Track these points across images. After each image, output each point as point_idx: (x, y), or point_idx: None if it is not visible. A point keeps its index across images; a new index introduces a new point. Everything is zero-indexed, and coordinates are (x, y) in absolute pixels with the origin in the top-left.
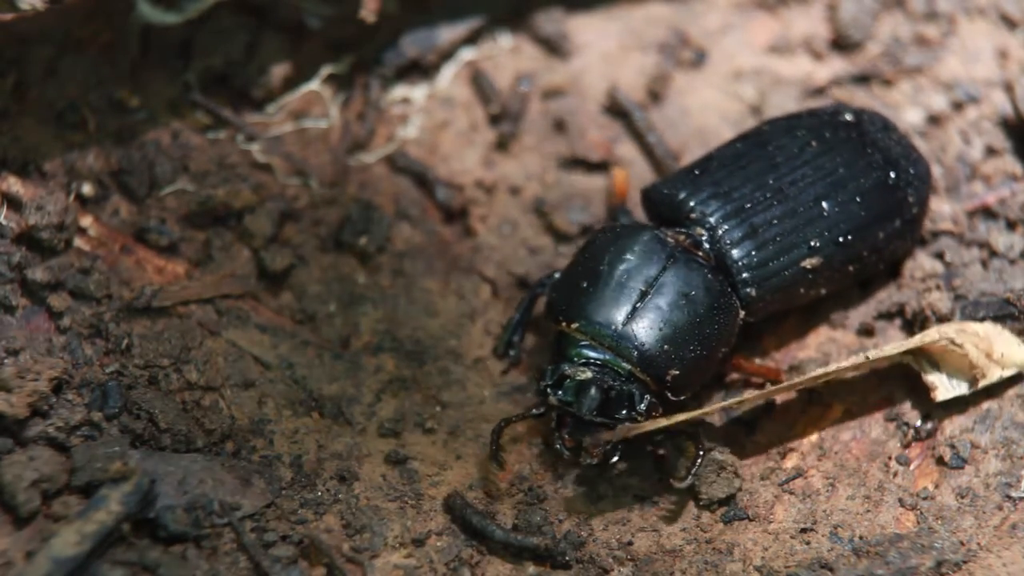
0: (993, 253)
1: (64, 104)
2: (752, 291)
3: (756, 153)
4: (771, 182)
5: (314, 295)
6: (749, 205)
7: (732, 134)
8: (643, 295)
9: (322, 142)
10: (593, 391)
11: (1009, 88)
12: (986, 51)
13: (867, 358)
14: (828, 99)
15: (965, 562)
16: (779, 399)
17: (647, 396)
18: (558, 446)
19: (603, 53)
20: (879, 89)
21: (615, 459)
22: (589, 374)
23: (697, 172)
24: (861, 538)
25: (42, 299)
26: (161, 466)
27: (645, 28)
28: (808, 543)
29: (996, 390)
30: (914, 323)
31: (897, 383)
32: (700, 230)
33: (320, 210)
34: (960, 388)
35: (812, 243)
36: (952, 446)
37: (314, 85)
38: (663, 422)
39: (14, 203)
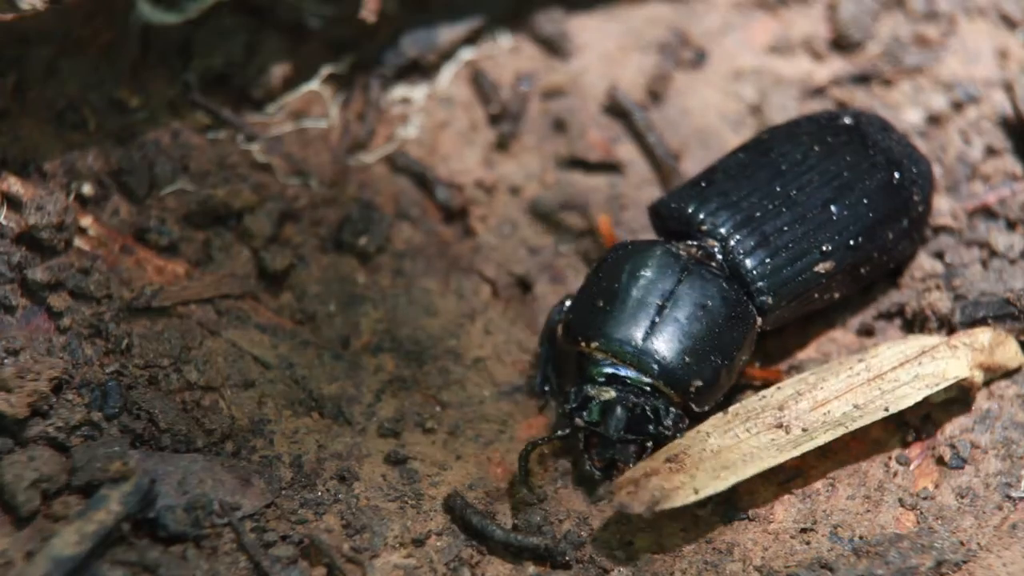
0: (993, 253)
1: (64, 104)
2: (769, 299)
3: (760, 161)
4: (778, 189)
5: (314, 295)
6: (759, 214)
7: (732, 134)
8: (660, 309)
9: (322, 142)
10: (619, 410)
11: (1009, 88)
12: (986, 51)
13: (886, 410)
14: (828, 99)
15: (965, 562)
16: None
17: (672, 410)
18: (588, 467)
19: (603, 53)
20: (879, 89)
21: None
22: (613, 393)
23: (704, 184)
24: (861, 538)
25: (42, 299)
26: (161, 466)
27: (645, 28)
28: (808, 543)
29: (996, 390)
30: (914, 323)
31: None
32: (712, 242)
33: (320, 210)
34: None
35: (824, 248)
36: (952, 446)
37: (314, 85)
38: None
39: (14, 203)
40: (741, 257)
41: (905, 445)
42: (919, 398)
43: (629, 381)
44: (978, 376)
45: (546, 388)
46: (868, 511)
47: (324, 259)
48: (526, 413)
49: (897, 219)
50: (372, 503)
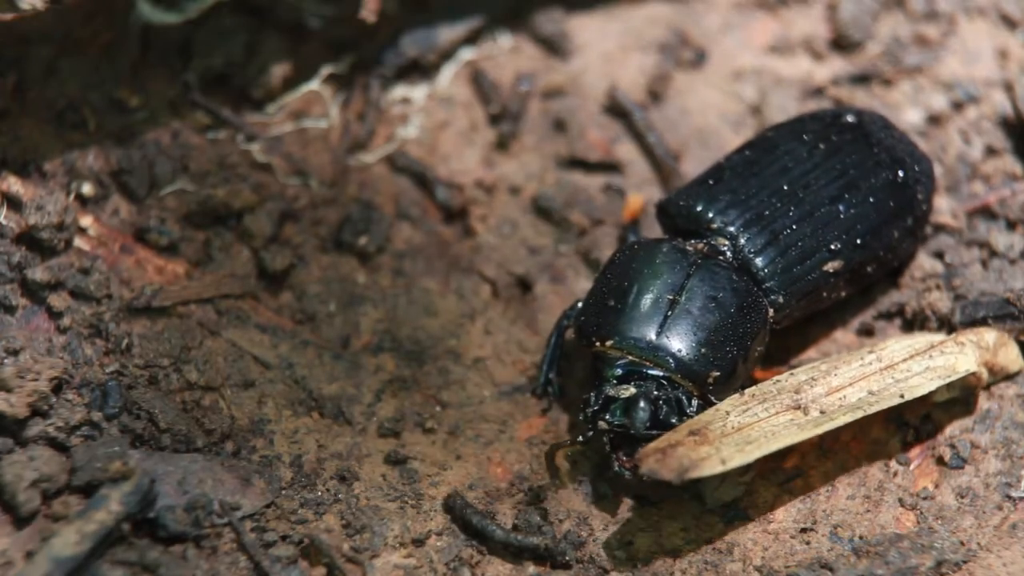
0: (993, 253)
1: (64, 104)
2: (780, 298)
3: (766, 159)
4: (785, 187)
5: (314, 295)
6: (768, 212)
7: (732, 134)
8: (672, 303)
9: (322, 142)
10: (642, 405)
11: (1009, 88)
12: (986, 51)
13: (902, 397)
14: (828, 99)
15: (965, 562)
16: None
17: (695, 400)
18: (617, 469)
19: (603, 53)
20: (879, 89)
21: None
22: (633, 390)
23: (712, 182)
24: (861, 538)
25: (42, 299)
26: (161, 466)
27: (645, 28)
28: (808, 543)
29: (996, 390)
30: (914, 323)
31: None
32: (722, 240)
33: (320, 210)
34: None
35: (832, 246)
36: (952, 446)
37: (314, 85)
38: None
39: (14, 203)
40: (752, 255)
41: (905, 445)
42: (932, 387)
43: (647, 376)
44: (984, 373)
45: (549, 389)
46: (868, 511)
47: (324, 259)
48: (526, 413)
49: (902, 217)
50: (372, 503)
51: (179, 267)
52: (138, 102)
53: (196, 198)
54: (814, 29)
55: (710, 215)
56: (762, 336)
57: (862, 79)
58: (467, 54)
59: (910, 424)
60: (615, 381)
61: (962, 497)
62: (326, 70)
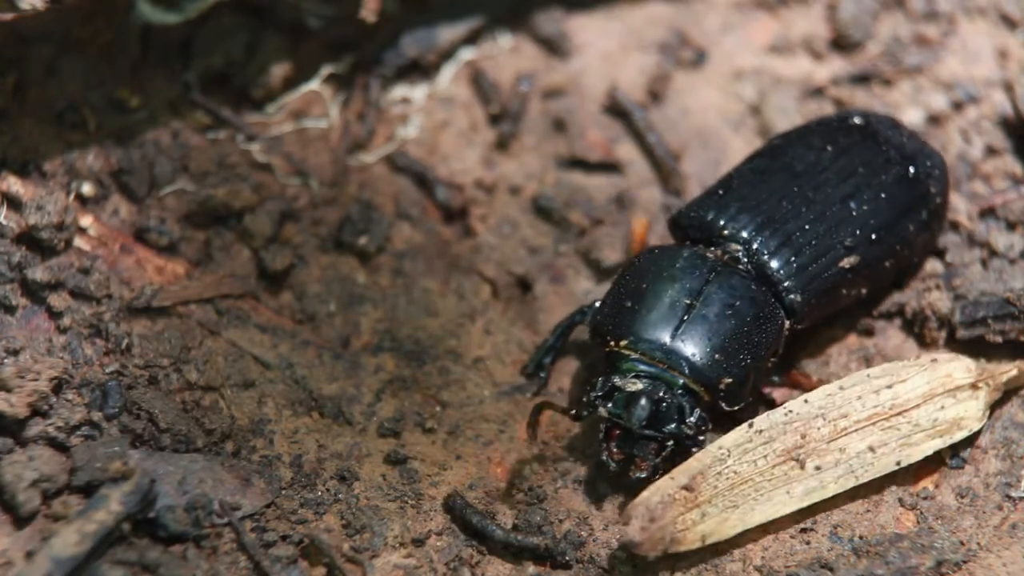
0: (993, 253)
1: (64, 104)
2: (797, 297)
3: (775, 166)
4: (795, 190)
5: (314, 295)
6: (779, 215)
7: (732, 134)
8: (689, 308)
9: (322, 142)
10: (643, 402)
11: (1009, 88)
12: (986, 51)
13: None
14: (828, 99)
15: (965, 562)
16: (778, 397)
17: (698, 409)
18: (604, 458)
19: (603, 53)
20: (879, 89)
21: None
22: (640, 385)
23: (721, 192)
24: (861, 538)
25: (42, 299)
26: (161, 466)
27: (645, 28)
28: (808, 543)
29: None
30: (914, 323)
31: None
32: (735, 245)
33: (320, 210)
34: None
35: (846, 243)
36: (952, 446)
37: (314, 85)
38: None
39: (14, 203)
40: (766, 258)
41: None
42: (930, 451)
43: (659, 377)
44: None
45: (541, 374)
46: (868, 511)
47: (324, 259)
48: (526, 413)
49: (916, 211)
50: (372, 503)
51: (179, 267)
52: (138, 102)
53: (196, 198)
54: (814, 29)
55: (721, 222)
56: (776, 347)
57: (862, 79)
58: (467, 54)
59: None
60: (625, 374)
61: (962, 497)
62: (326, 70)
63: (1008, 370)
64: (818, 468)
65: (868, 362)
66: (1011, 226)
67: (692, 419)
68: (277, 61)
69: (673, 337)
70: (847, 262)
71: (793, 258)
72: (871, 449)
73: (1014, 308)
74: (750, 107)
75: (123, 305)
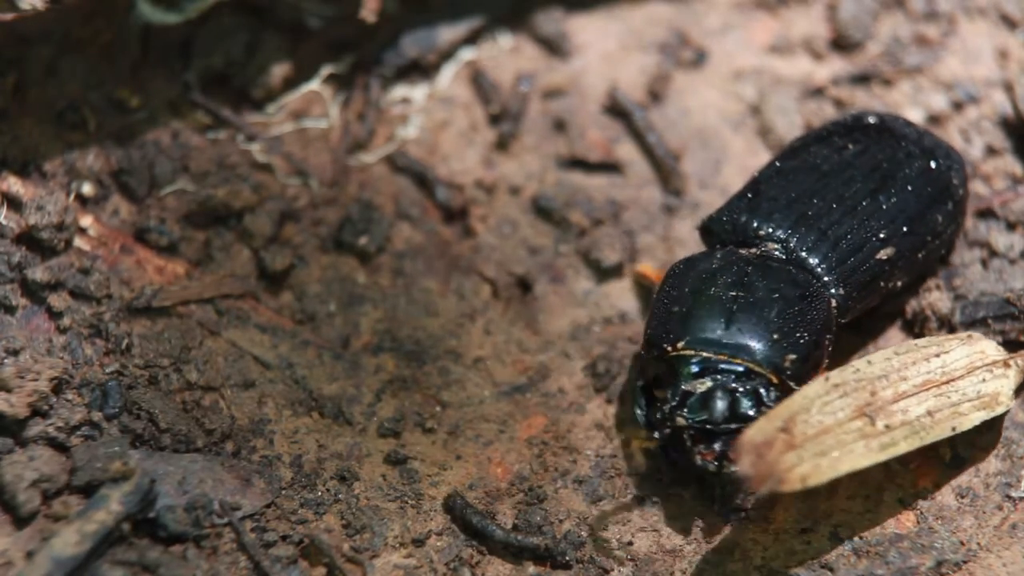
0: (993, 253)
1: (64, 104)
2: (840, 290)
3: (800, 166)
4: (824, 188)
5: (314, 295)
6: (811, 212)
7: (732, 134)
8: (736, 299)
9: (322, 142)
10: (719, 396)
11: (1009, 88)
12: (986, 51)
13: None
14: (828, 99)
15: (965, 562)
16: None
17: (772, 389)
18: (699, 463)
19: (603, 53)
20: (879, 89)
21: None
22: (709, 383)
23: (750, 195)
24: (861, 538)
25: (42, 299)
26: (161, 466)
27: (645, 28)
28: (808, 543)
29: None
30: (914, 323)
31: None
32: (772, 245)
33: (320, 210)
34: None
35: (881, 235)
36: (952, 446)
37: (314, 85)
38: None
39: (14, 203)
40: (805, 254)
41: None
42: (977, 422)
43: (723, 370)
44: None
45: (666, 427)
46: (868, 511)
47: (324, 259)
48: (526, 413)
49: (943, 203)
50: (372, 503)
51: (179, 267)
52: (138, 102)
53: (196, 198)
54: (814, 29)
55: (756, 223)
56: (829, 325)
57: (862, 79)
58: (467, 54)
59: None
60: (691, 378)
61: (962, 497)
62: (326, 70)
63: None
64: (887, 427)
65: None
66: (1011, 226)
67: (771, 400)
68: (277, 61)
69: (728, 327)
70: (884, 254)
71: (831, 253)
72: (929, 413)
73: (1014, 308)
74: (750, 107)
75: (123, 305)
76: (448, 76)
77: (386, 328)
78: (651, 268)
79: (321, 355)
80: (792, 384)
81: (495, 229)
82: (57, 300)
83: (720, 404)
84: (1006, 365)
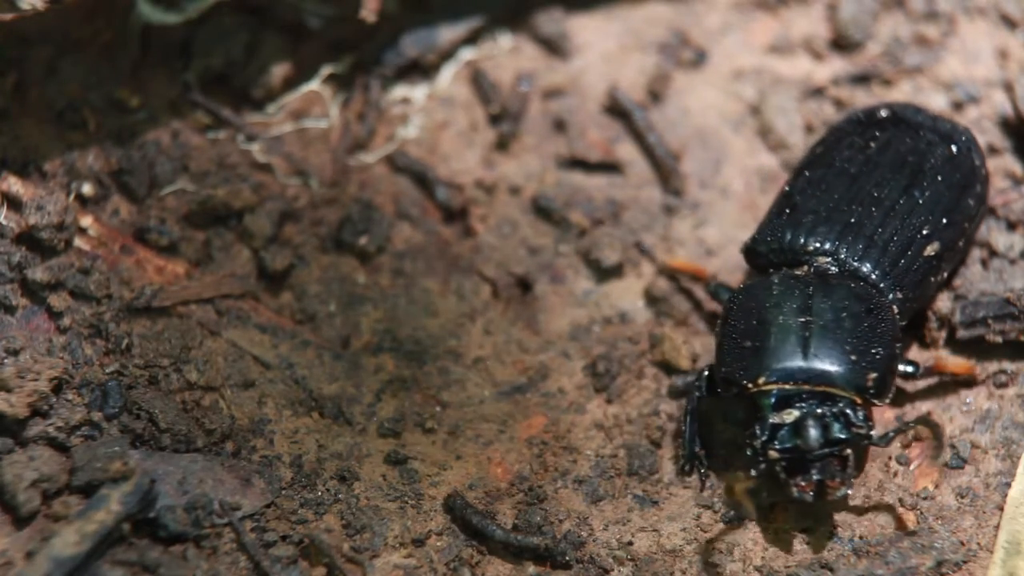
0: (993, 253)
1: (64, 104)
2: (898, 294)
3: (830, 173)
4: (858, 192)
5: (314, 295)
6: (853, 220)
7: (732, 134)
8: (806, 325)
9: (322, 142)
10: (810, 423)
11: (1009, 88)
12: (986, 51)
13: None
14: (828, 99)
15: (965, 562)
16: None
17: (859, 409)
18: (797, 494)
19: (603, 53)
20: (879, 89)
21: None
22: (796, 413)
23: (788, 211)
24: (861, 538)
25: (42, 299)
26: (161, 466)
27: (645, 28)
28: (808, 543)
29: (996, 390)
30: (914, 323)
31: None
32: (822, 259)
33: (320, 210)
34: None
35: (924, 231)
36: (952, 446)
37: (314, 85)
38: None
39: (14, 203)
40: (857, 264)
41: (905, 445)
42: None
43: (807, 398)
44: None
45: (696, 463)
46: (868, 511)
47: (324, 259)
48: (526, 413)
49: (972, 186)
50: (372, 503)
51: (179, 267)
52: (138, 102)
53: (196, 198)
54: (814, 29)
55: (802, 240)
56: (897, 331)
57: (862, 79)
58: (467, 54)
59: (910, 424)
60: (777, 410)
61: (962, 497)
62: (326, 70)
63: None
64: None
65: None
66: (1011, 226)
67: (859, 419)
68: (277, 61)
69: (806, 356)
70: (931, 249)
71: (882, 258)
72: None
73: (1014, 308)
74: (750, 107)
75: (123, 305)
76: (448, 76)
77: (386, 328)
78: (683, 261)
79: (321, 355)
80: (875, 401)
81: (495, 229)
82: (57, 300)
83: (813, 431)
84: None
